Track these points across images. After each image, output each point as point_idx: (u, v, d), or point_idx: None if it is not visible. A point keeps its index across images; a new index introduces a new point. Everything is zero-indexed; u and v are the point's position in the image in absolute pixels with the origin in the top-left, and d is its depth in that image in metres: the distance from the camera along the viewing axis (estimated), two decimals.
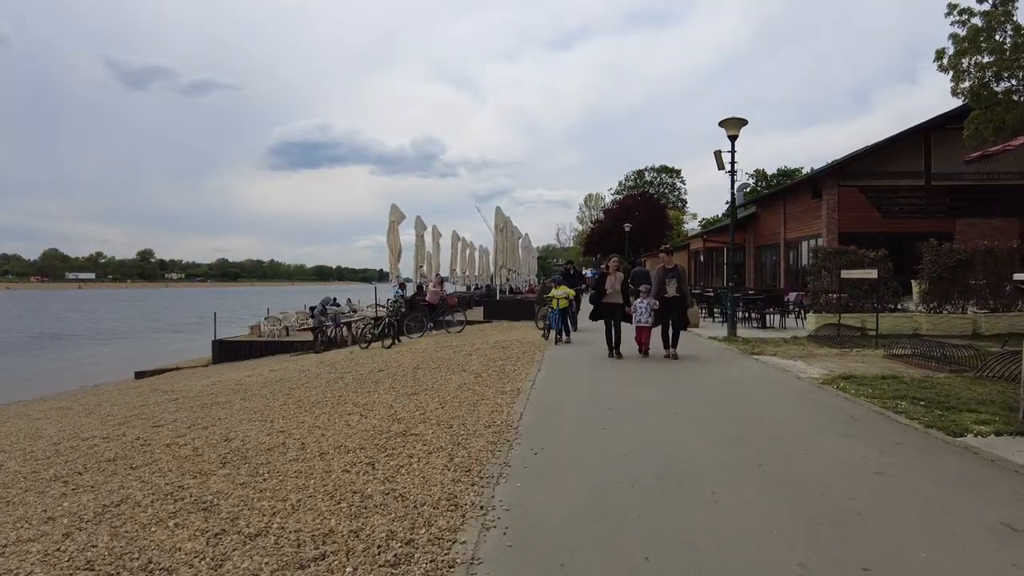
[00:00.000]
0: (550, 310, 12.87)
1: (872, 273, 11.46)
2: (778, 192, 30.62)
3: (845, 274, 12.21)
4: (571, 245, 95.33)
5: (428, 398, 7.08)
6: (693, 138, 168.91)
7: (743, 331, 13.74)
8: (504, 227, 22.67)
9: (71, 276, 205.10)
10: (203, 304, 72.57)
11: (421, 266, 25.19)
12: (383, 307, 17.42)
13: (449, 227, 32.06)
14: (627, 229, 38.83)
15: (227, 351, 20.58)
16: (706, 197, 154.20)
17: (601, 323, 10.66)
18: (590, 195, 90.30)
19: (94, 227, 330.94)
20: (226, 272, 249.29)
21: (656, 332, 10.19)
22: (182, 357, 23.42)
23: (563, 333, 12.61)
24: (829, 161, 26.70)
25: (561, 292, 12.59)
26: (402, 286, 19.54)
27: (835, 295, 13.52)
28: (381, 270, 25.23)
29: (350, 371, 10.56)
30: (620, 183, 74.56)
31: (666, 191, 72.78)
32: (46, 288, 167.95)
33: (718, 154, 13.34)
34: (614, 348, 10.17)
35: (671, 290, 9.75)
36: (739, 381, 7.78)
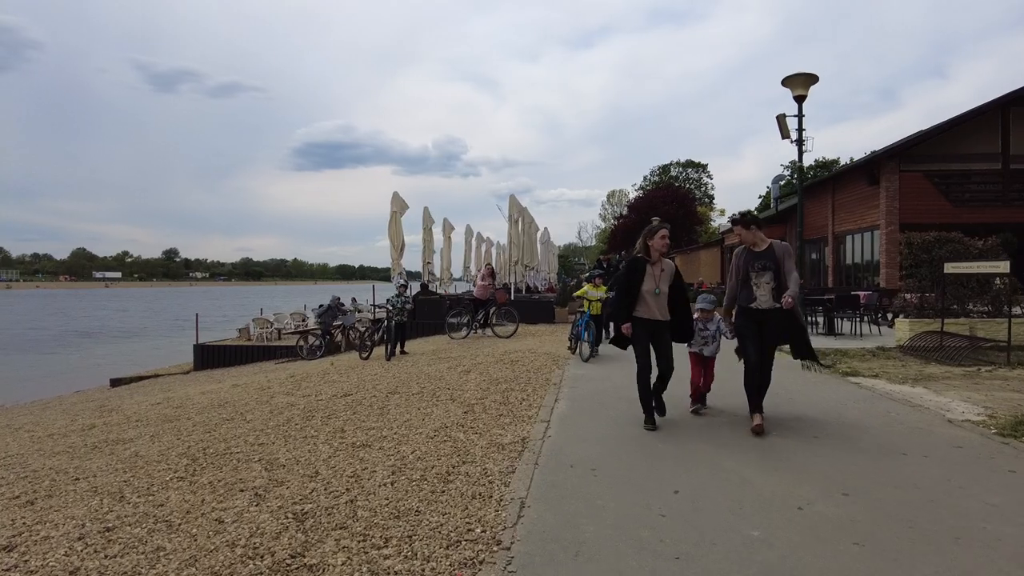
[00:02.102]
0: (578, 315, 10.25)
1: (1001, 266, 8.74)
2: (825, 180, 27.65)
3: (951, 268, 9.50)
4: (593, 243, 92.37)
5: (381, 456, 4.57)
6: (717, 135, 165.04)
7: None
8: (520, 218, 20.14)
9: (98, 275, 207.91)
10: (227, 302, 71.41)
11: (429, 262, 22.80)
12: (381, 307, 14.75)
13: (472, 227, 29.76)
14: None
15: (209, 356, 18.43)
16: (732, 196, 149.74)
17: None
18: (613, 191, 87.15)
19: (122, 227, 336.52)
20: (250, 271, 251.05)
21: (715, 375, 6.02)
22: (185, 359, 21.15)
23: (583, 345, 9.75)
24: (862, 154, 23.70)
25: (597, 293, 9.97)
26: (405, 285, 16.57)
27: (928, 295, 10.81)
28: (406, 270, 22.75)
29: (312, 392, 8.16)
30: (644, 178, 71.47)
31: (692, 186, 69.44)
32: (74, 287, 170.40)
33: (781, 119, 10.71)
34: (654, 406, 5.38)
35: (764, 293, 5.04)
36: (857, 425, 5.19)
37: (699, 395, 5.90)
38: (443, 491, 3.68)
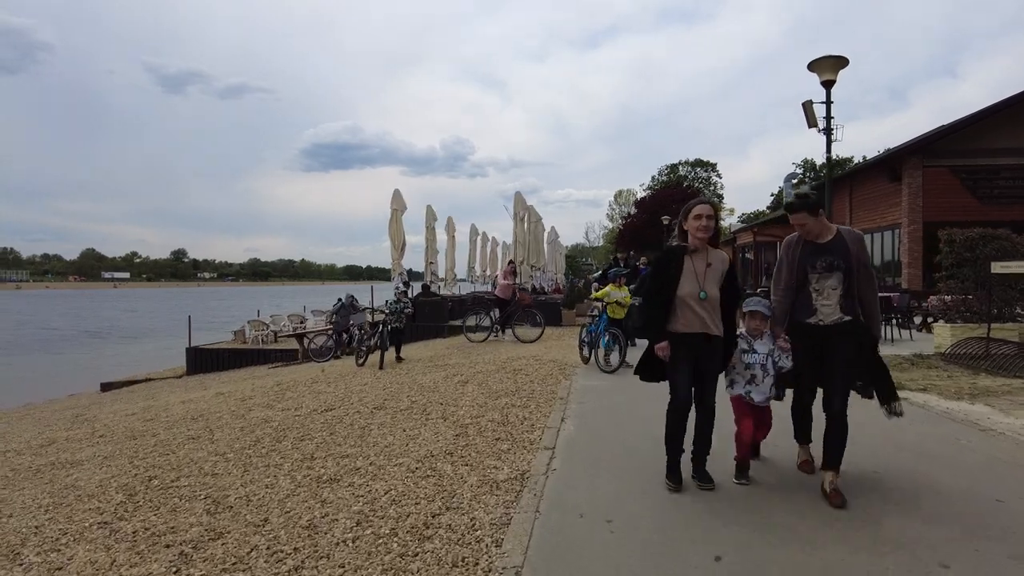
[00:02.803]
0: (593, 318, 9.28)
1: None
2: (842, 177, 26.62)
3: (1000, 267, 8.60)
4: (600, 244, 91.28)
5: (348, 497, 3.73)
6: (725, 136, 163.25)
7: None
8: (526, 216, 19.30)
9: (107, 275, 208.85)
10: (234, 302, 70.85)
11: (432, 262, 22.00)
12: (379, 310, 13.45)
13: (478, 226, 28.95)
14: (666, 222, 35.00)
15: (202, 360, 17.68)
16: (740, 196, 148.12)
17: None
18: (620, 191, 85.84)
19: (132, 228, 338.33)
20: (257, 271, 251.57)
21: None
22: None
23: (612, 354, 8.46)
24: (873, 153, 22.67)
25: (620, 294, 8.82)
26: (405, 291, 15.24)
27: (970, 297, 9.92)
28: (410, 269, 21.93)
29: (293, 405, 7.36)
30: (652, 178, 70.39)
31: (701, 186, 68.30)
32: (82, 287, 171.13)
33: (808, 106, 9.84)
34: (694, 471, 3.84)
35: (829, 303, 3.59)
36: (924, 454, 4.33)
37: (747, 455, 3.96)
38: (416, 554, 2.85)
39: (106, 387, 17.50)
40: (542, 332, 12.63)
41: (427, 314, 16.40)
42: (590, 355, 9.02)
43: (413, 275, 26.89)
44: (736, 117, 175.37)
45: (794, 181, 46.45)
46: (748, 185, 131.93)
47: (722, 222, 50.31)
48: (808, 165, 54.08)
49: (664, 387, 3.81)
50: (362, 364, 10.97)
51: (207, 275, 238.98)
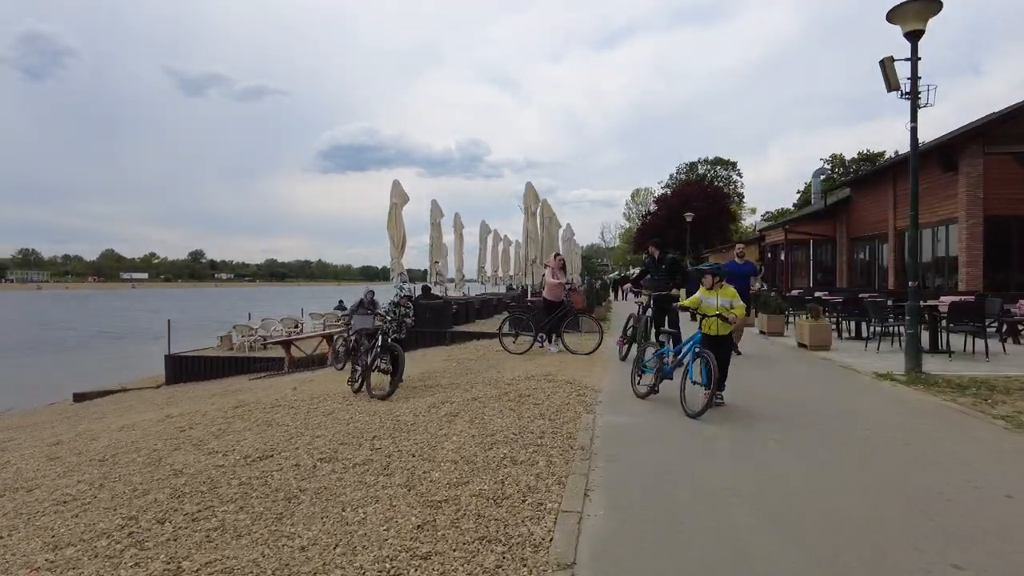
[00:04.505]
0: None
1: None
2: (885, 168, 24.43)
3: None
4: (616, 244, 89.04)
5: None
6: (742, 135, 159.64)
7: (925, 361, 8.19)
8: (538, 211, 17.42)
9: (125, 276, 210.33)
10: (247, 303, 69.39)
11: (437, 262, 20.18)
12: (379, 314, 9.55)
13: (489, 224, 27.16)
14: (689, 219, 32.89)
15: (182, 369, 16.03)
16: (760, 195, 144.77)
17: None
18: (637, 190, 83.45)
19: (151, 229, 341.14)
20: (274, 272, 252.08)
21: None
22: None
23: (696, 394, 5.81)
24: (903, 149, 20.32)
25: (716, 300, 5.92)
26: (409, 296, 11.38)
27: None
28: (424, 269, 20.13)
29: (226, 447, 5.55)
30: (671, 175, 68.07)
31: (721, 184, 65.92)
32: (101, 287, 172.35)
33: (889, 63, 7.87)
34: None
35: None
36: None
37: None
38: None
39: (79, 398, 15.99)
40: (601, 340, 10.29)
41: (427, 319, 14.53)
42: (654, 385, 6.44)
43: (416, 275, 25.11)
44: (754, 116, 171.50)
45: (822, 177, 44.10)
46: (768, 184, 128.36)
47: (743, 221, 47.93)
48: (837, 160, 51.57)
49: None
50: (359, 389, 8.03)
51: (224, 276, 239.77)
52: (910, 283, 8.11)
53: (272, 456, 5.04)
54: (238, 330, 17.59)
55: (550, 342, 10.67)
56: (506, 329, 11.12)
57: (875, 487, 3.77)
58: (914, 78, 7.86)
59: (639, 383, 6.67)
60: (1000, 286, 15.86)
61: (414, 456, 4.57)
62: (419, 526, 3.26)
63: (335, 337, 14.48)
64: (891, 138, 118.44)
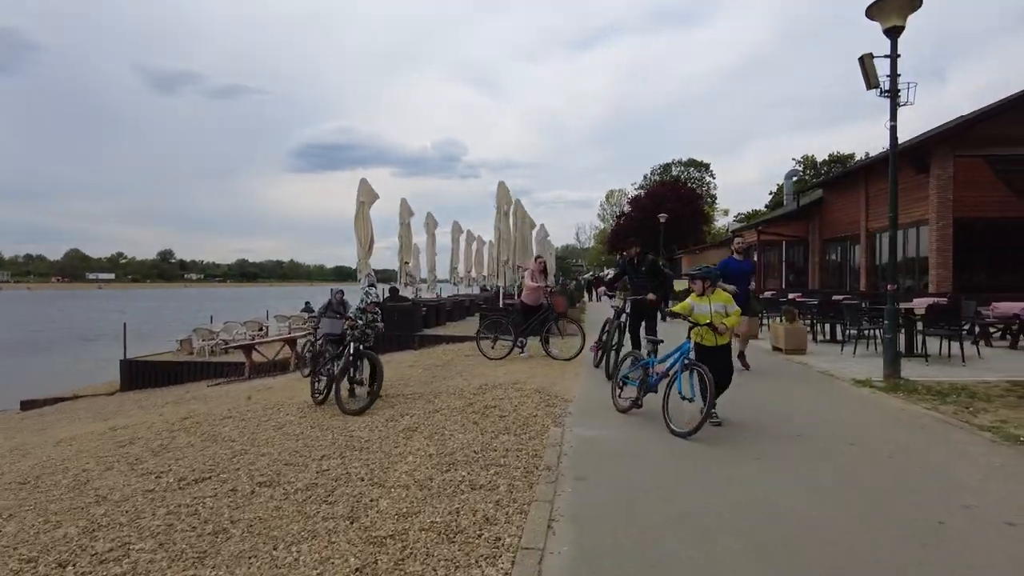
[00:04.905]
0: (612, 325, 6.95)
1: None
2: (857, 170, 24.52)
3: None
4: (591, 245, 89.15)
5: None
6: (719, 138, 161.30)
7: (903, 366, 7.98)
8: (511, 210, 17.02)
9: (91, 276, 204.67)
10: (215, 304, 67.86)
11: (407, 262, 19.68)
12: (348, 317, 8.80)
13: (461, 224, 26.68)
14: (663, 220, 32.81)
15: (138, 374, 15.29)
16: (733, 198, 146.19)
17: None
18: (611, 191, 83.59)
19: (120, 228, 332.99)
20: (245, 272, 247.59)
21: None
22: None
23: (687, 410, 5.18)
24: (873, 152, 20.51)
25: (708, 307, 5.42)
26: (377, 301, 9.75)
27: None
28: (396, 270, 19.53)
29: (164, 467, 5.05)
30: (645, 177, 68.23)
31: (694, 186, 66.32)
32: (65, 288, 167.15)
33: (867, 60, 7.64)
34: None
35: None
36: None
37: None
38: None
39: (27, 405, 15.20)
40: (583, 345, 9.81)
41: (395, 321, 14.03)
42: (638, 399, 5.88)
43: (388, 276, 24.51)
44: (727, 119, 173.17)
45: (794, 179, 44.47)
46: (741, 186, 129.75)
47: (715, 223, 48.12)
48: (808, 162, 52.10)
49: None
50: (323, 401, 7.30)
51: (194, 276, 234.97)
52: (888, 286, 7.89)
53: (209, 478, 4.56)
54: (198, 333, 16.88)
55: (523, 347, 10.28)
56: (485, 333, 10.59)
57: (866, 512, 3.44)
58: (893, 75, 7.64)
59: (620, 396, 6.13)
60: (969, 288, 15.91)
61: (363, 480, 4.14)
62: (358, 569, 2.84)
63: (304, 342, 13.98)
64: (862, 141, 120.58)
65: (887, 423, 5.54)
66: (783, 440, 4.96)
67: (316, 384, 7.64)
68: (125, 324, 16.32)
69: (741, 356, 8.48)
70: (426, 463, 4.39)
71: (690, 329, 5.39)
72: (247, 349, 14.48)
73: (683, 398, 5.16)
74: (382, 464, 4.46)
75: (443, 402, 6.46)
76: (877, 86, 7.71)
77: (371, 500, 3.74)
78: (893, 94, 7.63)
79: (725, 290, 5.77)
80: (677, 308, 5.61)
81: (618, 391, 6.18)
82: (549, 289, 10.71)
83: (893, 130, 7.83)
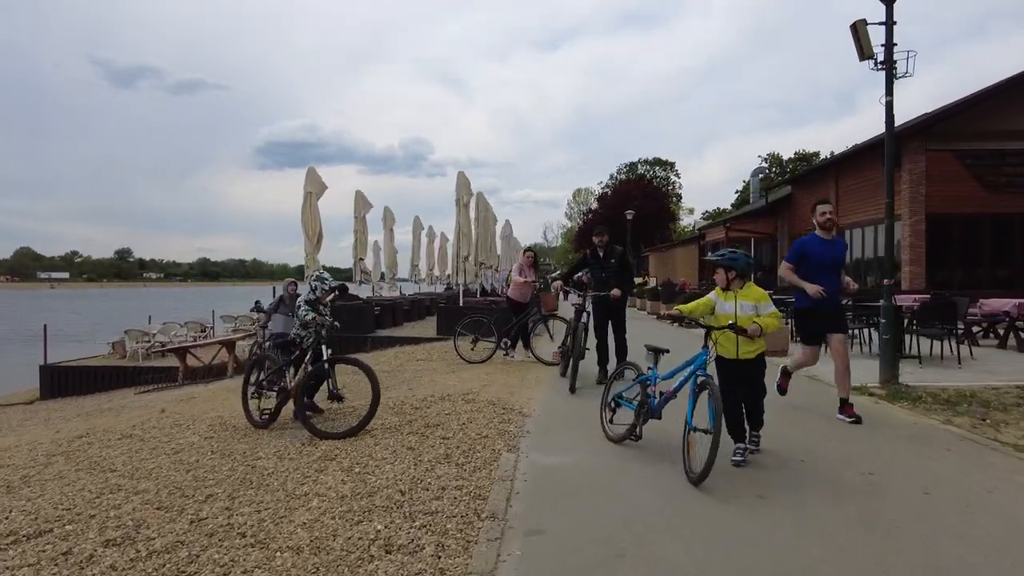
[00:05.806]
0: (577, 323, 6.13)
1: None
2: (827, 165, 24.17)
3: None
4: (559, 243, 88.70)
5: None
6: (683, 139, 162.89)
7: (902, 372, 7.22)
8: (472, 203, 15.99)
9: (43, 275, 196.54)
10: (170, 303, 65.05)
11: (362, 259, 18.52)
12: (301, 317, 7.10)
13: (424, 221, 25.60)
14: (629, 216, 32.18)
15: (61, 381, 13.85)
16: (698, 197, 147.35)
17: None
18: (578, 190, 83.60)
19: (76, 227, 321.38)
20: (207, 272, 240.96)
21: None
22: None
23: (696, 447, 3.79)
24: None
25: (732, 306, 4.04)
26: (322, 294, 8.05)
27: None
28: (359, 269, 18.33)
29: (7, 515, 3.93)
30: (611, 175, 68.03)
31: (659, 184, 66.29)
32: (14, 287, 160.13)
33: (862, 27, 6.84)
34: None
35: None
36: None
37: None
38: None
39: None
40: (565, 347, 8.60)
41: (345, 322, 12.86)
42: (611, 428, 4.76)
43: (345, 276, 23.21)
44: (692, 120, 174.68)
45: (760, 176, 44.43)
46: (705, 186, 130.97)
47: (681, 221, 47.84)
48: (774, 159, 52.18)
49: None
50: (270, 422, 5.73)
51: (153, 275, 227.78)
52: (885, 280, 7.14)
53: (50, 531, 3.46)
54: (131, 335, 15.45)
55: (513, 348, 9.20)
56: (465, 333, 9.50)
57: (909, 570, 2.54)
58: (889, 45, 6.87)
59: (612, 421, 4.79)
60: (942, 284, 15.50)
61: (244, 536, 3.08)
62: None
63: (251, 344, 12.81)
64: (824, 143, 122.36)
65: (903, 444, 4.68)
66: (784, 469, 4.06)
67: (255, 399, 5.91)
68: (46, 326, 14.82)
69: (784, 376, 5.93)
70: (334, 509, 3.36)
71: (707, 335, 4.07)
72: (180, 353, 13.16)
73: (693, 429, 3.78)
74: (276, 511, 3.40)
75: (377, 419, 5.41)
76: (871, 56, 6.93)
77: (243, 573, 2.70)
78: (889, 65, 6.86)
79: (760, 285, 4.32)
80: (684, 308, 4.23)
81: (609, 415, 4.83)
82: (538, 285, 9.73)
83: (889, 105, 7.06)
